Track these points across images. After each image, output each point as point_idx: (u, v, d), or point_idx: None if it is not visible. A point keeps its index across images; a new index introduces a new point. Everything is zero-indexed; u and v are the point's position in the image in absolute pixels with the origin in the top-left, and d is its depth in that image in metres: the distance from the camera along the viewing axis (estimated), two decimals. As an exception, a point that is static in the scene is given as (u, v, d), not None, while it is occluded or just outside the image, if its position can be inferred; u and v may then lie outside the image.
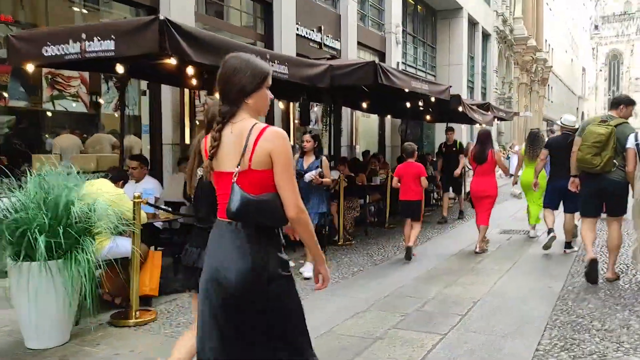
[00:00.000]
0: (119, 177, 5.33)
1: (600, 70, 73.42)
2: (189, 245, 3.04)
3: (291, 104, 11.16)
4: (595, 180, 5.65)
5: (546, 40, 42.14)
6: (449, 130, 11.83)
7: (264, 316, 2.12)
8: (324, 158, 6.68)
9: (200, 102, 8.95)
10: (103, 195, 4.31)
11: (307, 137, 6.71)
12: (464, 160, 10.91)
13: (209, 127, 2.51)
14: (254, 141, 2.12)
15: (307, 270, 6.04)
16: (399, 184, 7.33)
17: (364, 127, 15.52)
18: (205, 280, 2.18)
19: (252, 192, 2.11)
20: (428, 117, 14.22)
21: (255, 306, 2.11)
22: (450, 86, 10.37)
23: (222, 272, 2.12)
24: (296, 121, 12.10)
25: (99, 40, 4.80)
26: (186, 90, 8.34)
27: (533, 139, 8.48)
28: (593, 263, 5.72)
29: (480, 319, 4.76)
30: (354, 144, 13.91)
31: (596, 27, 71.10)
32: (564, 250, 7.51)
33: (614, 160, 5.54)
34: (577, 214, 6.88)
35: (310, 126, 12.10)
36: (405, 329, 4.51)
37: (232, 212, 2.10)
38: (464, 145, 12.41)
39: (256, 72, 2.22)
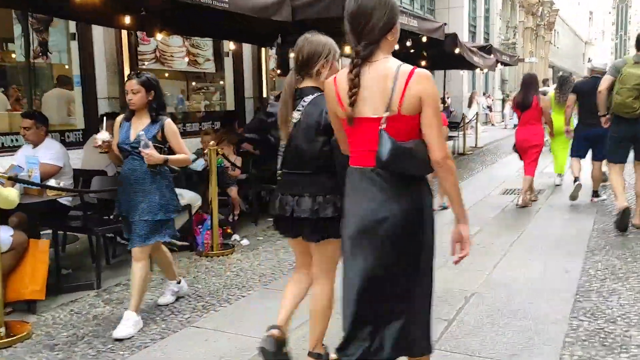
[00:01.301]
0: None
1: (610, 13, 70.25)
2: (282, 194, 2.61)
3: (263, 50, 9.61)
4: (631, 125, 5.36)
5: (552, -18, 39.58)
6: None
7: (418, 253, 2.07)
8: (167, 121, 3.57)
9: (140, 40, 7.42)
10: None
11: (132, 84, 3.48)
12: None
13: (301, 68, 2.50)
14: (404, 84, 1.95)
15: (167, 295, 4.00)
16: None
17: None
18: (357, 230, 2.07)
19: (399, 138, 1.97)
20: (423, 63, 12.60)
21: (411, 246, 2.06)
22: (445, 24, 8.77)
23: (374, 218, 2.02)
24: (273, 72, 10.60)
25: None
26: (124, 32, 6.84)
27: (562, 82, 7.86)
28: (626, 211, 5.45)
29: (469, 333, 3.39)
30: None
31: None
32: (592, 199, 7.12)
33: None
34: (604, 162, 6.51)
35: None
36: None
37: (383, 161, 1.96)
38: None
39: (395, 4, 2.07)
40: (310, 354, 2.68)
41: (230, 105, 9.50)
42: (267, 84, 9.70)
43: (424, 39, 8.36)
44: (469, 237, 2.11)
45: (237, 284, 4.40)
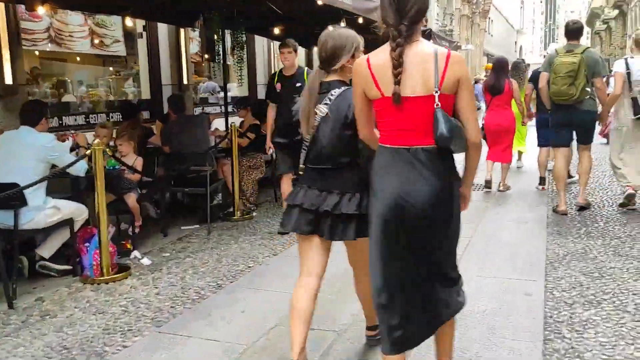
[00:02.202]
0: None
1: (541, 2, 72.02)
2: (308, 187, 2.50)
3: (182, 31, 8.45)
4: (567, 110, 5.55)
5: (487, -30, 39.68)
6: None
7: (447, 229, 2.15)
8: None
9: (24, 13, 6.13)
10: None
11: None
12: None
13: (325, 63, 2.46)
14: (444, 65, 2.01)
15: None
16: None
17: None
18: (390, 209, 2.07)
19: None
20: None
21: (443, 221, 2.12)
22: (383, 3, 7.90)
23: (411, 195, 2.05)
24: (197, 55, 9.44)
25: None
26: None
27: (515, 68, 7.77)
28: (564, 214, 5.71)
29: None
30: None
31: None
32: (541, 187, 7.13)
33: (587, 89, 5.40)
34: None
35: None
36: None
37: (444, 137, 1.99)
38: None
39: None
40: (368, 327, 2.93)
41: (145, 93, 8.30)
42: (187, 70, 8.54)
43: (360, 21, 7.50)
44: (470, 197, 2.31)
45: (122, 326, 3.37)
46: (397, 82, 2.01)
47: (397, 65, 2.00)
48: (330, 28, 2.55)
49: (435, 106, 2.00)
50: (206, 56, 9.55)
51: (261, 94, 10.82)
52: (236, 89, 10.75)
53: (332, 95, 2.43)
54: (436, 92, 2.00)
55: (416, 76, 2.02)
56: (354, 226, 2.42)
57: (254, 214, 6.13)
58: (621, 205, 5.90)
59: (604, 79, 5.87)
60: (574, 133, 5.76)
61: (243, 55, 7.02)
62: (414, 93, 2.02)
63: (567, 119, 5.60)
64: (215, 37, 6.90)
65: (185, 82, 8.50)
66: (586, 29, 63.41)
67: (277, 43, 11.58)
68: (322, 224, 2.46)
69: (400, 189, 2.06)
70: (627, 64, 5.59)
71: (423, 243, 2.10)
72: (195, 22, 7.49)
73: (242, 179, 6.21)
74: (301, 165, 2.55)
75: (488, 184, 6.89)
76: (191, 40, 9.00)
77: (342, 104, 2.41)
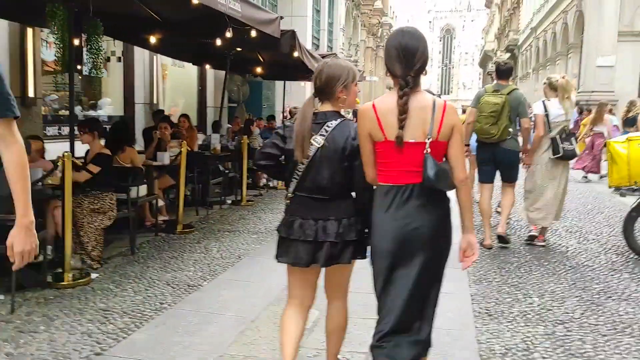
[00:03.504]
0: None
1: (440, 41, 75.29)
2: (302, 218, 2.49)
3: (30, 31, 6.66)
4: (491, 148, 5.66)
5: (391, 7, 40.43)
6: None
7: (441, 258, 2.31)
8: None
9: None
10: None
11: None
12: None
13: (320, 92, 2.49)
14: (441, 114, 2.21)
15: None
16: None
17: (177, 80, 11.32)
18: (392, 239, 2.24)
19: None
20: (259, 70, 10.45)
21: (440, 249, 2.30)
22: (282, 17, 6.66)
23: (413, 226, 2.22)
24: (55, 64, 7.62)
25: None
26: None
27: None
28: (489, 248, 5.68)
29: None
30: (155, 101, 9.68)
31: None
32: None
33: (509, 129, 5.51)
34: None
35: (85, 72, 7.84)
36: None
37: (431, 179, 2.18)
38: None
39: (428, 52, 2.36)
40: None
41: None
42: (35, 80, 6.72)
43: (253, 34, 6.18)
44: (476, 244, 2.39)
45: None
46: (401, 127, 2.20)
47: (403, 112, 2.19)
48: (327, 59, 2.56)
49: (424, 152, 2.19)
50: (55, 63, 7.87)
51: (139, 114, 9.15)
52: (109, 108, 9.00)
53: (328, 127, 2.43)
54: (428, 139, 2.20)
55: (416, 123, 2.21)
56: (351, 250, 2.46)
57: (94, 275, 4.48)
58: (527, 241, 5.96)
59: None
60: (498, 170, 5.83)
61: (99, 63, 5.41)
62: (414, 139, 2.21)
63: (490, 157, 5.70)
64: (62, 38, 5.22)
65: (31, 94, 6.67)
66: (478, 70, 67.01)
67: (161, 57, 10.08)
68: (319, 252, 2.45)
69: (402, 222, 2.23)
70: (544, 107, 5.64)
71: (420, 272, 2.23)
72: (44, 20, 5.81)
73: (81, 226, 4.57)
74: (290, 194, 2.53)
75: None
76: (46, 44, 7.20)
77: (338, 135, 2.42)
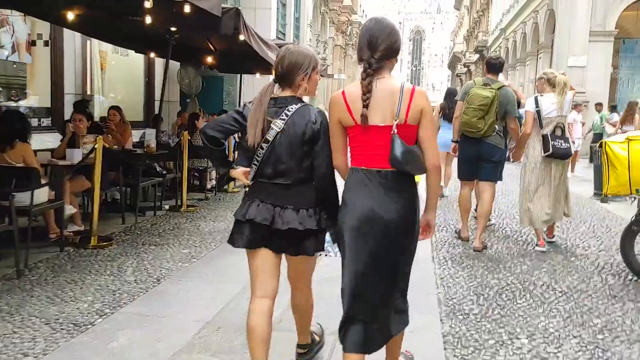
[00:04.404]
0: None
1: (410, 41, 74.96)
2: (261, 201, 2.43)
3: None
4: (474, 143, 5.36)
5: (360, 5, 39.58)
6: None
7: (409, 241, 2.34)
8: None
9: None
10: None
11: None
12: None
13: (281, 78, 2.44)
14: (409, 98, 2.22)
15: None
16: None
17: (120, 70, 10.11)
18: (359, 220, 2.25)
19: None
20: (210, 60, 9.34)
21: (407, 233, 2.30)
22: (223, -9, 5.60)
23: (379, 211, 2.23)
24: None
25: None
26: None
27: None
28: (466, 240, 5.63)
29: None
30: (88, 91, 8.47)
31: None
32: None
33: (495, 125, 5.25)
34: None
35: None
36: None
37: (398, 161, 2.19)
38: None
39: (400, 40, 2.39)
40: (299, 345, 2.84)
41: None
42: None
43: (187, 9, 5.11)
44: (435, 223, 2.46)
45: None
46: (365, 106, 2.21)
47: (366, 91, 2.21)
48: (289, 45, 2.52)
49: (391, 133, 2.20)
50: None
51: (69, 105, 7.93)
52: (33, 99, 7.78)
53: (288, 110, 2.39)
54: (395, 120, 2.21)
55: (385, 108, 2.22)
56: (313, 242, 2.42)
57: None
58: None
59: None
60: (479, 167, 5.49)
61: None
62: (383, 122, 2.23)
63: (473, 152, 5.40)
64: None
65: None
66: (447, 72, 66.93)
67: (99, 44, 8.89)
68: (276, 239, 2.40)
69: (369, 204, 2.24)
70: (536, 102, 5.27)
71: (386, 254, 2.26)
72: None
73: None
74: (249, 181, 2.46)
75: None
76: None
77: (298, 120, 2.38)
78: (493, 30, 34.65)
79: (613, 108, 13.97)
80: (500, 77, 6.89)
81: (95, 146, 4.91)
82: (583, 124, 12.31)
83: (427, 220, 2.40)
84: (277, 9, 18.40)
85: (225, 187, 8.65)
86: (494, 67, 5.48)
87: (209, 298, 3.84)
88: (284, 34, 19.64)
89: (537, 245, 5.43)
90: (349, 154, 2.37)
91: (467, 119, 5.26)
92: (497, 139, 5.33)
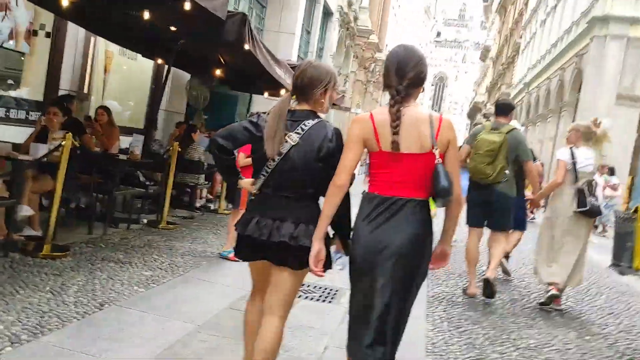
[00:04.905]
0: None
1: (432, 86, 75.08)
2: (261, 216, 2.37)
3: None
4: (484, 190, 5.04)
5: (387, 45, 39.54)
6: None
7: (416, 270, 2.26)
8: None
9: None
10: None
11: None
12: None
13: (300, 91, 2.40)
14: (437, 127, 2.21)
15: None
16: None
17: (126, 73, 9.67)
18: (367, 247, 2.22)
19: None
20: (218, 73, 8.86)
21: (415, 262, 2.24)
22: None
23: (389, 239, 2.20)
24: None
25: None
26: None
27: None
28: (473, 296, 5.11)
29: None
30: (85, 90, 7.99)
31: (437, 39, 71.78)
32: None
33: (506, 171, 4.95)
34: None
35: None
36: None
37: (447, 189, 2.17)
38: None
39: (427, 69, 2.35)
40: None
41: None
42: None
43: (188, 6, 4.62)
44: (449, 254, 2.41)
45: None
46: (396, 133, 2.18)
47: (395, 118, 2.18)
48: (311, 60, 2.55)
49: (436, 162, 2.18)
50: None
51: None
52: (25, 91, 7.30)
53: (305, 125, 2.34)
54: (435, 149, 2.18)
55: (412, 136, 2.19)
56: (302, 256, 2.29)
57: None
58: (542, 304, 5.11)
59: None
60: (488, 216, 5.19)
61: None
62: (408, 150, 2.19)
63: (483, 199, 5.09)
64: None
65: None
66: (466, 120, 66.71)
67: (106, 43, 8.45)
68: (269, 250, 2.35)
69: (381, 232, 2.20)
70: (572, 154, 4.98)
71: (395, 284, 2.20)
72: None
73: None
74: (256, 190, 2.40)
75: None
76: None
77: (314, 135, 2.34)
78: (517, 84, 34.30)
79: (611, 171, 13.53)
80: (514, 122, 6.54)
81: (63, 143, 4.34)
82: (604, 187, 11.62)
83: (443, 249, 2.38)
84: (301, 35, 18.10)
85: (216, 207, 8.05)
86: (503, 108, 5.22)
87: (150, 337, 3.18)
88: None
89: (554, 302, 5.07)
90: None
91: (474, 165, 5.04)
92: (507, 186, 5.00)
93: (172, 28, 5.66)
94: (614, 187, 12.28)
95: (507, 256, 6.60)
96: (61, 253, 4.51)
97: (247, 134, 2.37)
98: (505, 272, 6.34)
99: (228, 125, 2.46)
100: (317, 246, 2.22)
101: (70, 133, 4.44)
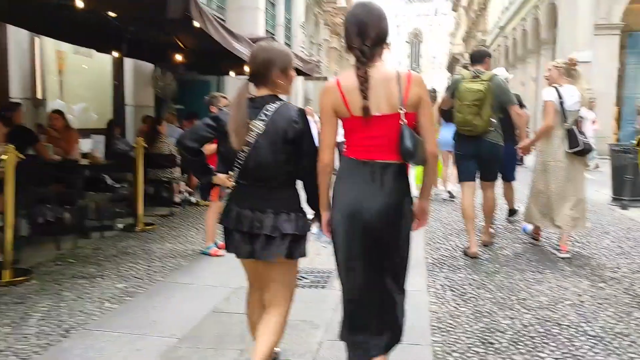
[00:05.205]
0: None
1: (408, 43, 74.16)
2: (239, 207, 2.34)
3: None
4: (473, 142, 4.82)
5: (356, 8, 38.64)
6: None
7: (397, 239, 2.22)
8: None
9: None
10: None
11: None
12: None
13: (255, 76, 2.33)
14: (406, 85, 2.14)
15: None
16: None
17: (83, 72, 9.12)
18: (347, 213, 2.18)
19: None
20: (180, 59, 8.33)
21: (394, 230, 2.20)
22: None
23: (367, 204, 2.15)
24: None
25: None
26: None
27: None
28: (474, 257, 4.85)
29: None
30: (39, 95, 7.47)
31: None
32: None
33: (492, 119, 4.73)
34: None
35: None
36: None
37: (410, 152, 2.11)
38: None
39: (388, 24, 2.27)
40: None
41: None
42: None
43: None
44: (429, 211, 2.37)
45: None
46: (365, 97, 2.11)
47: (364, 81, 2.11)
48: (262, 42, 2.41)
49: (400, 123, 2.10)
50: None
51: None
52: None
53: (267, 110, 2.29)
54: (401, 109, 2.11)
55: (381, 96, 2.12)
56: (287, 246, 2.28)
57: None
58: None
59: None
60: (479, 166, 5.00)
61: None
62: (379, 111, 2.13)
63: (472, 151, 4.88)
64: None
65: None
66: (447, 74, 66.09)
67: (52, 42, 7.89)
68: (256, 244, 2.30)
69: (358, 198, 2.15)
70: (558, 93, 4.72)
71: (377, 249, 2.18)
72: None
73: None
74: (232, 183, 2.35)
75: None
76: None
77: (278, 119, 2.27)
78: (492, 29, 33.69)
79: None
80: (502, 70, 6.22)
81: (4, 157, 3.90)
82: (594, 122, 11.26)
83: (422, 207, 2.33)
84: (266, 9, 17.42)
85: (196, 200, 7.65)
86: (477, 57, 5.02)
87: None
88: (273, 35, 18.66)
89: (559, 250, 4.93)
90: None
91: (461, 117, 4.78)
92: (496, 135, 4.83)
93: (111, 14, 5.15)
94: (593, 121, 11.92)
95: (513, 212, 6.33)
96: (24, 277, 4.12)
97: (211, 131, 2.34)
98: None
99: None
100: (325, 216, 2.27)
101: (11, 147, 3.99)
